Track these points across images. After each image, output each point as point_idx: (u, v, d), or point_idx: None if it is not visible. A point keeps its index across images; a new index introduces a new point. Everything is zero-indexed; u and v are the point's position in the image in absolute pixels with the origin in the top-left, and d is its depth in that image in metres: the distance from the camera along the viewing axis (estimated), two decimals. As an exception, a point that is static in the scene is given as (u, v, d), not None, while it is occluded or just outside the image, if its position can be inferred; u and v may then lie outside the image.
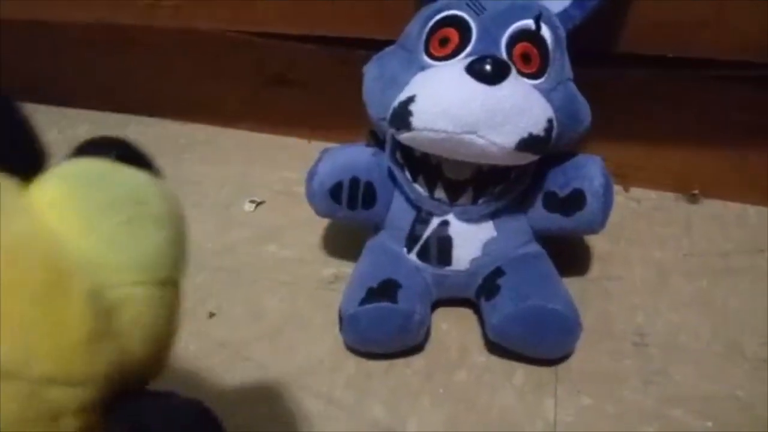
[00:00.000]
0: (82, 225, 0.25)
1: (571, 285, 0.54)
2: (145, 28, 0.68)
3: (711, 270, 0.58)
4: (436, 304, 0.54)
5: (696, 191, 0.66)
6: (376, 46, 0.54)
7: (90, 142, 0.30)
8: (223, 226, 0.65)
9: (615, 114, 0.62)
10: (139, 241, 0.26)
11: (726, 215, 0.64)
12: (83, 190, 0.26)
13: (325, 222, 0.62)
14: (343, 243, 0.61)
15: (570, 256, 0.59)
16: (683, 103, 0.61)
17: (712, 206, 0.65)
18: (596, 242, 0.61)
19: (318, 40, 0.65)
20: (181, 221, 0.31)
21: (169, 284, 0.29)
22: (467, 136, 0.44)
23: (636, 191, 0.67)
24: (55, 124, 0.80)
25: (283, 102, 0.74)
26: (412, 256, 0.53)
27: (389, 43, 0.53)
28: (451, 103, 0.44)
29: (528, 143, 0.44)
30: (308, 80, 0.71)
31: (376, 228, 0.55)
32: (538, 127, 0.45)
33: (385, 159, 0.53)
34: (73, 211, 0.25)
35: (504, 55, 0.46)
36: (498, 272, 0.51)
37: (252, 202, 0.68)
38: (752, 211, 0.64)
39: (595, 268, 0.59)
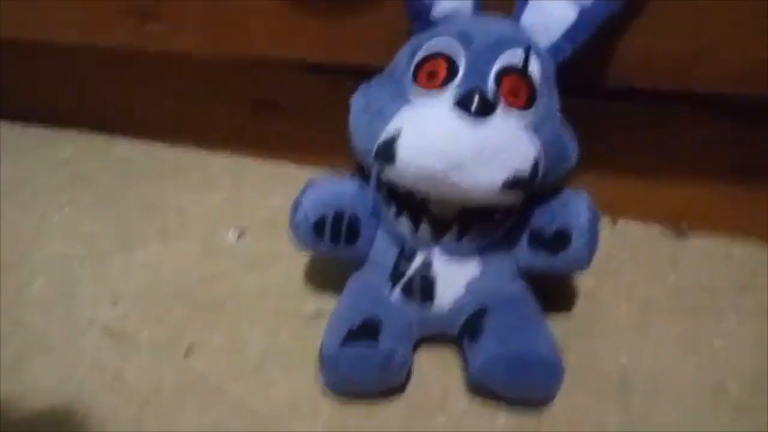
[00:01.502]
0: None
1: (556, 322, 0.54)
2: (133, 50, 0.68)
3: (697, 308, 0.58)
4: (419, 343, 0.54)
5: (684, 226, 0.65)
6: (366, 72, 0.53)
7: None
8: (206, 255, 0.64)
9: (605, 146, 0.62)
10: None
11: (713, 251, 0.64)
12: None
13: (307, 255, 0.61)
14: (327, 276, 0.60)
15: (556, 292, 0.58)
16: (674, 136, 0.61)
17: (699, 241, 0.65)
18: (582, 277, 0.60)
19: (307, 66, 0.65)
20: None
21: None
22: (453, 174, 0.43)
23: (624, 224, 0.67)
24: (40, 145, 0.79)
25: (272, 127, 0.73)
26: (396, 293, 0.52)
27: (379, 69, 0.53)
28: (437, 139, 0.43)
29: (514, 182, 0.44)
30: (297, 106, 0.70)
31: (360, 263, 0.55)
32: (524, 166, 0.44)
33: (370, 193, 0.52)
34: None
35: (492, 90, 0.46)
36: (481, 312, 0.50)
37: (237, 230, 0.67)
38: (739, 247, 0.64)
39: (581, 305, 0.58)
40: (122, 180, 0.73)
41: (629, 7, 0.49)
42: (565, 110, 0.51)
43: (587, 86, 0.56)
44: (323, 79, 0.66)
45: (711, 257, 0.63)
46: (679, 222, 0.65)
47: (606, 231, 0.66)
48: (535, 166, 0.45)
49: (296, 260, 0.62)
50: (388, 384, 0.50)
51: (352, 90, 0.53)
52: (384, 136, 0.45)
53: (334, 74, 0.65)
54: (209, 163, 0.77)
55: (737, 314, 0.57)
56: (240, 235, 0.67)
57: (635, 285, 0.60)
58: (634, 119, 0.61)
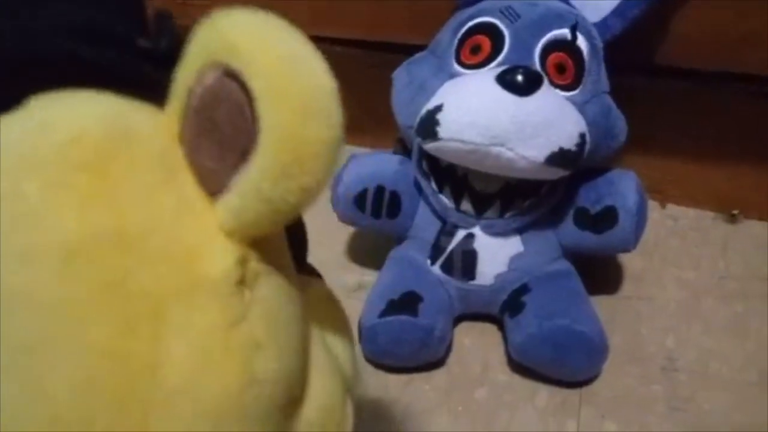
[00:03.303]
0: None
1: (601, 303, 0.52)
2: None
3: (747, 294, 0.56)
4: (459, 319, 0.53)
5: (736, 211, 0.63)
6: (409, 50, 0.53)
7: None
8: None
9: (654, 127, 0.60)
10: None
11: (765, 237, 0.62)
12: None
13: (350, 228, 0.61)
14: (368, 250, 0.60)
15: (601, 272, 0.57)
16: (727, 118, 0.59)
17: (751, 227, 0.63)
18: (629, 259, 0.59)
19: (350, 43, 0.64)
20: None
21: None
22: (495, 149, 0.43)
23: (673, 208, 0.65)
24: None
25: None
26: (436, 269, 0.51)
27: (422, 47, 0.52)
28: (480, 113, 0.43)
29: (558, 158, 0.43)
30: (339, 83, 0.70)
31: (401, 238, 0.54)
32: (569, 142, 0.43)
33: (412, 168, 0.52)
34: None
35: (537, 66, 0.45)
36: (523, 289, 0.50)
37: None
38: (794, 234, 0.62)
39: (627, 287, 0.57)
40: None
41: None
42: (612, 88, 0.49)
43: (634, 64, 0.55)
44: (365, 56, 0.66)
45: (763, 244, 0.61)
46: (731, 207, 0.63)
47: (655, 214, 0.64)
48: (582, 141, 0.44)
49: (338, 234, 0.61)
50: (426, 358, 0.49)
51: (394, 67, 0.52)
52: (425, 110, 0.45)
53: (376, 51, 0.64)
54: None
55: (790, 303, 0.55)
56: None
57: (683, 269, 0.59)
58: (684, 100, 0.60)
